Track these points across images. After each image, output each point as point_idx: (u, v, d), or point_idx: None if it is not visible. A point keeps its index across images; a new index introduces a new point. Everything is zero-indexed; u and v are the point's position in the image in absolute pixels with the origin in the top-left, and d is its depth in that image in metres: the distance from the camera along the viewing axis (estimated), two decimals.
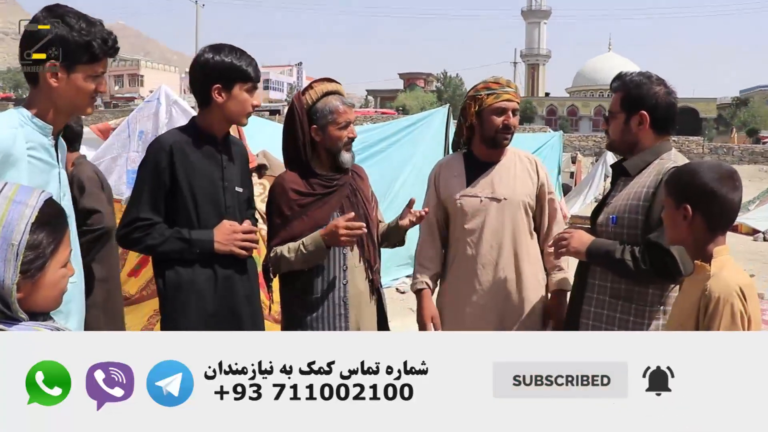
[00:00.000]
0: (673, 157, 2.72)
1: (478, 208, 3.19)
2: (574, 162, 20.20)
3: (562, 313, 3.12)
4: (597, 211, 2.89)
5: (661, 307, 2.66)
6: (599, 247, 2.71)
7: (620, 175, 2.86)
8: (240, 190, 2.90)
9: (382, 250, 3.17)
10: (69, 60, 2.24)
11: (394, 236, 3.11)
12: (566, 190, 16.38)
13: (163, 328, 2.82)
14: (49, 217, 1.60)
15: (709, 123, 65.46)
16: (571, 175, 19.38)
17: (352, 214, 2.79)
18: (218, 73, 2.73)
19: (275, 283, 3.10)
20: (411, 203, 2.99)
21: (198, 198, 2.73)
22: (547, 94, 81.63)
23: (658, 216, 2.56)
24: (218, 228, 2.74)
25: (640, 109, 2.72)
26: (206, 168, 2.77)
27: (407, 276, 8.90)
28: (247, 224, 2.82)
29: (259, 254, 5.70)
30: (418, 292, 3.27)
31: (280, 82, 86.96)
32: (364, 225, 2.80)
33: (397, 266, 8.36)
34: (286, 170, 3.03)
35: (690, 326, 2.14)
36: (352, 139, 2.96)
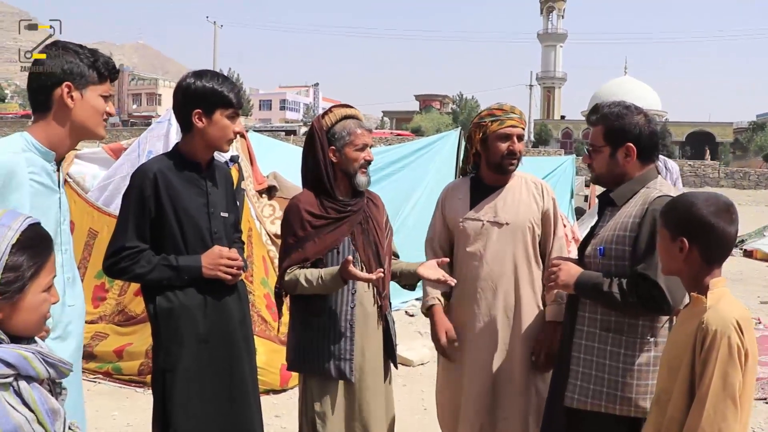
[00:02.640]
0: (659, 186, 2.69)
1: (479, 231, 3.19)
2: (587, 186, 20.02)
3: (553, 345, 3.08)
4: (585, 243, 2.86)
5: (652, 339, 2.62)
6: (587, 280, 2.68)
7: (607, 205, 2.82)
8: (225, 215, 2.90)
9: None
10: (81, 79, 2.35)
11: (408, 278, 3.09)
12: (580, 213, 16.25)
13: (154, 354, 2.81)
14: (33, 241, 1.62)
15: (725, 147, 65.11)
16: (585, 198, 19.21)
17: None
18: (199, 98, 2.73)
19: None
20: (442, 262, 2.96)
21: (184, 225, 2.73)
22: (562, 117, 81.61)
23: (644, 246, 2.54)
24: (206, 254, 2.74)
25: (625, 142, 2.69)
26: (190, 195, 2.76)
27: (416, 299, 8.87)
28: (234, 252, 2.81)
29: (251, 278, 5.74)
30: (429, 309, 3.26)
31: (297, 103, 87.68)
32: (381, 273, 2.79)
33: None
34: (303, 191, 3.07)
35: (686, 359, 2.11)
36: (368, 162, 2.99)
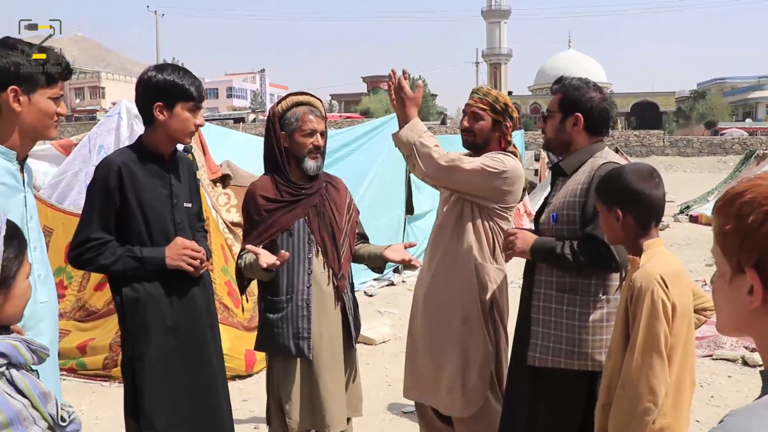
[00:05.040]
0: (605, 155, 2.88)
1: (444, 196, 3.44)
2: (537, 159, 20.35)
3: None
4: (540, 212, 3.04)
5: (604, 297, 2.81)
6: (542, 245, 2.87)
7: (558, 175, 3.02)
8: (188, 205, 2.96)
9: None
10: (29, 83, 2.31)
11: (376, 261, 3.21)
12: (531, 187, 16.57)
13: (123, 344, 2.86)
14: (15, 231, 1.73)
15: (669, 116, 66.58)
16: (535, 172, 19.56)
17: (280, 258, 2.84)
18: (159, 92, 2.77)
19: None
20: (408, 246, 3.13)
21: (148, 216, 2.79)
22: (510, 93, 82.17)
23: (592, 209, 2.72)
24: (170, 245, 2.80)
25: (575, 111, 2.88)
26: (154, 187, 2.82)
27: (375, 279, 9.00)
28: (196, 244, 2.87)
29: (211, 267, 5.78)
30: None
31: (244, 90, 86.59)
32: (285, 254, 2.82)
33: (364, 269, 8.42)
34: (260, 177, 3.19)
35: (621, 314, 2.33)
36: (317, 148, 3.07)
